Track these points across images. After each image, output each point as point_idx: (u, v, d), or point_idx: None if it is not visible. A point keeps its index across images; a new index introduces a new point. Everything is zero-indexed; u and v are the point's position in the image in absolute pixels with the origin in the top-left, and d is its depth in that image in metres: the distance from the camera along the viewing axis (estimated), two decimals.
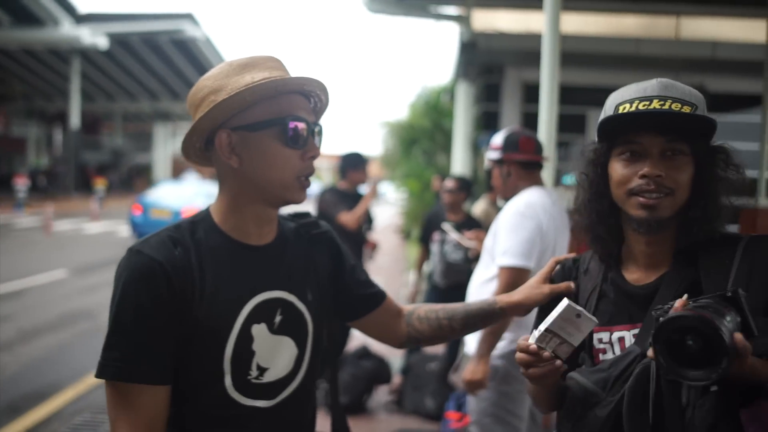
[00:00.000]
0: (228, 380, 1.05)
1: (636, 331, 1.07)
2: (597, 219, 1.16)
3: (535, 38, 3.81)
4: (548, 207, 2.31)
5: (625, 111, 1.09)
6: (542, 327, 1.06)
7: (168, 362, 1.01)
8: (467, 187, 4.35)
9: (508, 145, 2.46)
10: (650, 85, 1.13)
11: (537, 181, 2.46)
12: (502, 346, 2.28)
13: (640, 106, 1.07)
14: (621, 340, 1.11)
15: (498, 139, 2.51)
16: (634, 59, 8.97)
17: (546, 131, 3.59)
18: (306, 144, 1.09)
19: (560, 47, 3.71)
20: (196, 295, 1.02)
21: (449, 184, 4.27)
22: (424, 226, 4.48)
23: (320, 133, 1.14)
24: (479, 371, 2.16)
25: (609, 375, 1.03)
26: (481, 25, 8.89)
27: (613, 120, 1.11)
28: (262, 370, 1.08)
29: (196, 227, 1.09)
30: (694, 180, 1.07)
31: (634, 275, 1.14)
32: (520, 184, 2.44)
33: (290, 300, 1.13)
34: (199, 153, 1.15)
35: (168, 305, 1.00)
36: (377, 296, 1.32)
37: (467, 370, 2.19)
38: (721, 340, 0.79)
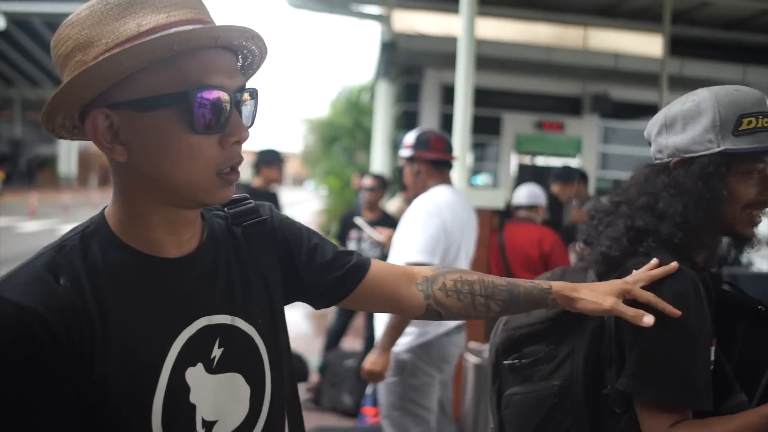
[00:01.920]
0: None
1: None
2: (707, 229, 1.07)
3: (454, 41, 3.92)
4: (455, 205, 2.38)
5: (755, 128, 1.01)
6: None
7: None
8: (385, 185, 4.41)
9: (419, 143, 2.51)
10: (756, 96, 1.05)
11: (446, 180, 2.53)
12: (409, 340, 2.33)
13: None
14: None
15: (410, 137, 2.56)
16: (546, 66, 9.43)
17: (460, 132, 3.71)
18: (227, 124, 0.74)
19: (476, 51, 3.83)
20: (98, 345, 0.70)
21: (367, 182, 4.31)
22: (341, 224, 4.49)
23: (253, 100, 0.79)
24: (380, 363, 2.20)
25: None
26: (402, 25, 9.03)
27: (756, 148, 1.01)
28: (209, 426, 0.78)
29: (88, 242, 0.75)
30: None
31: None
32: (430, 182, 2.49)
33: (232, 324, 0.82)
34: (74, 132, 0.79)
35: (56, 373, 0.67)
36: (357, 268, 1.00)
37: (368, 361, 2.23)
38: None
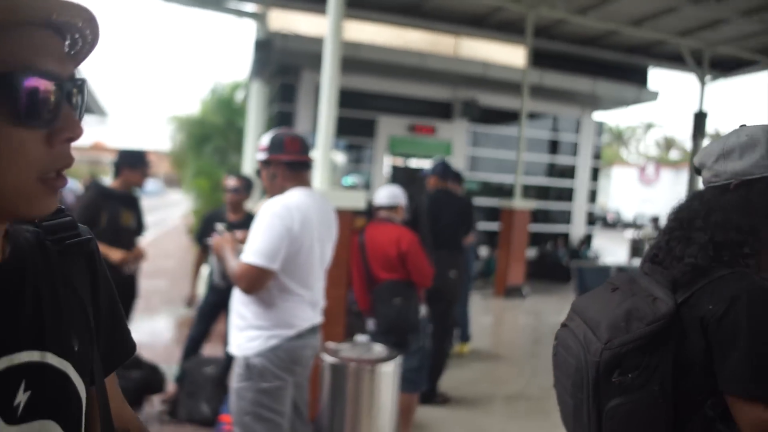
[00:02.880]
0: None
1: None
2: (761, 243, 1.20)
3: (343, 44, 3.91)
4: (308, 208, 2.34)
5: None
6: None
7: None
8: (250, 187, 4.28)
9: (274, 146, 2.44)
10: None
11: (304, 182, 2.48)
12: (258, 344, 2.28)
13: None
14: None
15: (264, 140, 2.49)
16: (419, 71, 9.74)
17: (324, 132, 3.70)
18: (57, 117, 0.62)
19: (341, 52, 3.83)
20: None
21: (231, 182, 4.16)
22: (202, 224, 4.30)
23: (81, 94, 0.67)
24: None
25: None
26: (278, 24, 8.87)
27: None
28: None
29: None
30: None
31: None
32: (287, 184, 2.44)
33: (42, 361, 0.67)
34: None
35: None
36: (125, 352, 0.87)
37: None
38: None
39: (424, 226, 3.81)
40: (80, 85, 0.66)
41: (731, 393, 1.10)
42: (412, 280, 3.23)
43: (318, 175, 3.56)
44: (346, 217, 3.37)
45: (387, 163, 10.41)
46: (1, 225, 0.66)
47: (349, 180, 6.48)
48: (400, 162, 10.65)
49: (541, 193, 11.96)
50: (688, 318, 1.16)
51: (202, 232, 4.12)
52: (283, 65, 9.26)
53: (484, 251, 10.25)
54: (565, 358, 1.33)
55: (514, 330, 7.38)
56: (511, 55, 10.26)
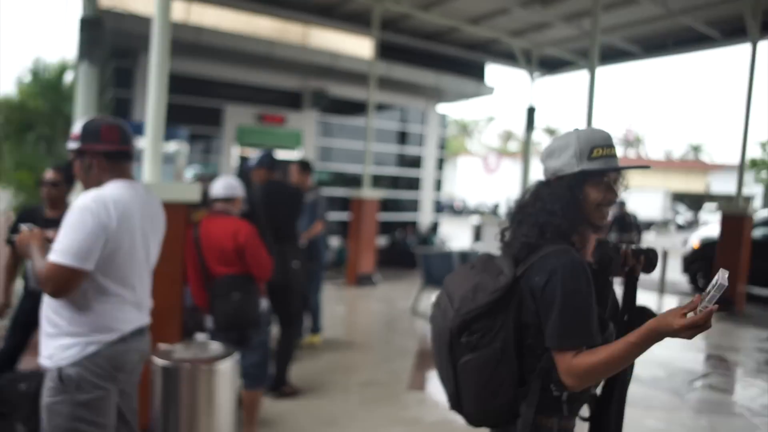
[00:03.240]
0: None
1: None
2: (577, 222, 1.53)
3: (172, 25, 3.62)
4: (128, 202, 2.15)
5: (603, 155, 1.51)
6: (713, 297, 1.21)
7: None
8: (71, 180, 3.87)
9: (88, 134, 2.21)
10: (602, 134, 1.55)
11: (124, 174, 2.28)
12: (73, 353, 2.07)
13: (611, 153, 1.53)
14: None
15: (76, 128, 2.25)
16: (268, 60, 9.51)
17: (154, 121, 3.46)
18: None
19: (170, 33, 3.58)
20: None
21: (49, 175, 3.72)
22: (16, 221, 3.82)
23: None
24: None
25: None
26: (111, 1, 8.13)
27: (606, 168, 1.52)
28: None
29: None
30: None
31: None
32: (104, 176, 2.21)
33: None
34: None
35: None
36: None
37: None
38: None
39: (261, 219, 3.77)
40: None
41: (550, 347, 1.42)
42: (251, 274, 3.15)
43: (147, 166, 3.33)
44: (178, 210, 3.19)
45: (235, 153, 10.06)
46: None
47: (191, 171, 6.15)
48: (248, 153, 10.36)
49: (391, 182, 12.35)
50: (524, 288, 1.47)
51: (12, 229, 3.65)
52: (117, 47, 8.50)
53: (336, 241, 10.35)
54: (433, 325, 1.61)
55: (366, 317, 7.55)
56: (360, 47, 10.42)
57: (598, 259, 1.61)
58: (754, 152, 30.42)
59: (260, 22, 9.72)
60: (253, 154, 4.97)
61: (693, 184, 38.54)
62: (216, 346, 2.77)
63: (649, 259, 1.66)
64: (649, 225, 27.46)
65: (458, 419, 1.67)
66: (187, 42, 8.39)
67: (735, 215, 8.18)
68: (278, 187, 4.42)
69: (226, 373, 2.68)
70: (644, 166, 1.66)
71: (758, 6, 7.89)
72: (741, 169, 8.53)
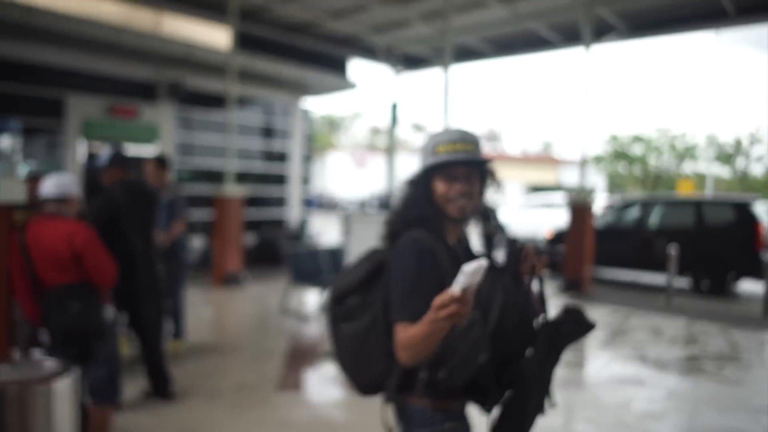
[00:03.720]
0: None
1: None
2: (431, 215, 1.67)
3: None
4: None
5: (445, 150, 1.65)
6: (463, 282, 1.28)
7: None
8: None
9: None
10: (453, 133, 1.69)
11: None
12: None
13: (456, 148, 1.65)
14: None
15: None
16: (116, 47, 8.77)
17: None
18: None
19: None
20: None
21: None
22: None
23: None
24: None
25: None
26: None
27: (439, 162, 1.65)
28: None
29: None
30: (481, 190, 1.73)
31: (451, 239, 1.72)
32: None
33: None
34: None
35: None
36: None
37: None
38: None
39: (124, 223, 3.67)
40: None
41: (395, 319, 1.55)
42: (92, 281, 2.86)
43: None
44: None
45: (82, 149, 9.16)
46: None
47: (24, 169, 5.50)
48: (99, 148, 9.50)
49: (257, 178, 12.02)
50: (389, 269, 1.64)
51: None
52: None
53: (200, 241, 9.87)
54: None
55: (233, 319, 7.29)
56: (217, 37, 9.97)
57: (506, 256, 1.77)
58: (596, 148, 33.87)
59: (104, 6, 8.91)
60: (103, 150, 4.50)
61: (546, 178, 42.03)
62: (51, 363, 2.48)
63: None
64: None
65: (330, 417, 1.68)
66: (15, 23, 7.47)
67: (580, 205, 8.99)
68: (137, 187, 4.07)
69: (64, 392, 2.41)
70: (483, 160, 1.69)
71: (588, 15, 8.74)
72: (582, 163, 9.42)
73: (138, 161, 4.63)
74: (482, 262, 1.29)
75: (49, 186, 2.92)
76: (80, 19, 8.26)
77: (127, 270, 3.53)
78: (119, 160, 3.99)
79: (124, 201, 3.81)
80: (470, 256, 1.72)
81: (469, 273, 1.27)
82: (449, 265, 1.59)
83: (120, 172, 3.96)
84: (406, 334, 1.49)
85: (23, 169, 5.53)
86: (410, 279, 1.56)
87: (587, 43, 8.97)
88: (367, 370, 1.67)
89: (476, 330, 1.54)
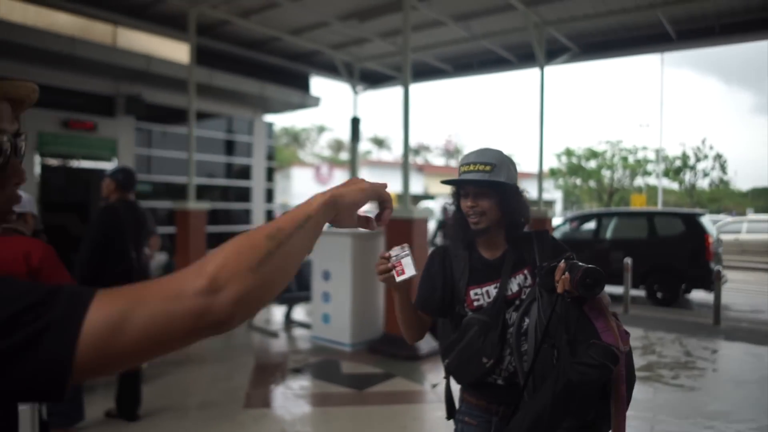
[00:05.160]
0: None
1: (496, 284, 1.84)
2: (464, 226, 1.89)
3: None
4: None
5: (463, 171, 1.84)
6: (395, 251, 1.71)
7: None
8: None
9: None
10: (472, 155, 1.86)
11: None
12: None
13: (469, 169, 1.82)
14: (487, 291, 1.84)
15: None
16: (71, 60, 8.57)
17: None
18: (6, 166, 0.79)
19: None
20: None
21: None
22: None
23: (23, 145, 0.83)
24: None
25: (493, 310, 1.82)
26: None
27: (453, 181, 1.88)
28: None
29: None
30: (500, 205, 1.85)
31: (488, 255, 1.91)
32: None
33: None
34: None
35: None
36: None
37: None
38: (602, 277, 1.52)
39: (125, 242, 3.96)
40: (23, 138, 0.82)
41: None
42: None
43: None
44: None
45: (37, 163, 8.89)
46: None
47: None
48: (55, 162, 9.24)
49: (221, 193, 11.88)
50: None
51: None
52: None
53: (162, 256, 9.67)
54: None
55: None
56: (177, 51, 9.87)
57: (539, 275, 1.73)
58: (552, 162, 34.69)
59: (59, 17, 8.72)
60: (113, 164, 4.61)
61: None
62: None
63: (586, 276, 1.51)
64: None
65: None
66: None
67: (539, 219, 9.17)
68: (134, 206, 4.22)
69: (25, 414, 2.34)
70: (485, 181, 1.82)
71: (543, 35, 9.03)
72: (540, 177, 9.65)
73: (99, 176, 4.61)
74: (405, 246, 1.71)
75: None
76: (35, 30, 8.07)
77: (124, 282, 3.57)
78: (121, 179, 4.07)
79: (125, 218, 4.02)
80: (515, 269, 1.87)
81: (399, 248, 1.70)
82: (467, 273, 1.87)
83: (120, 191, 4.05)
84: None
85: None
86: (422, 275, 1.94)
87: (541, 64, 9.26)
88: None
89: (477, 333, 1.78)
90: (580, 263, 1.55)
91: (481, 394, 1.83)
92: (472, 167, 1.81)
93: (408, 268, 1.66)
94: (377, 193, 0.91)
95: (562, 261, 1.59)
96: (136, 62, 9.11)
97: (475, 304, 1.83)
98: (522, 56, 10.30)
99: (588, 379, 1.46)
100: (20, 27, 7.91)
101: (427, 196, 33.03)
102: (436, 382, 5.12)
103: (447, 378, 1.90)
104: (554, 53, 9.65)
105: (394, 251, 1.70)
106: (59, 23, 8.67)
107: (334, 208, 0.84)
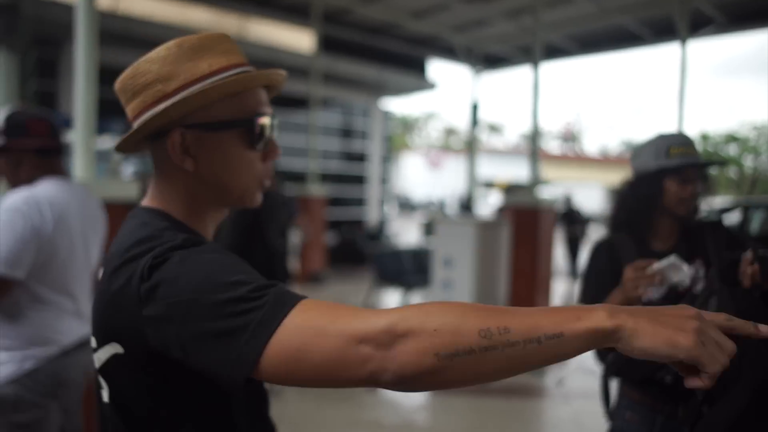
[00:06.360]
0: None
1: None
2: (645, 215, 1.77)
3: (98, 14, 3.32)
4: (64, 202, 1.94)
5: (679, 152, 1.70)
6: (660, 267, 1.50)
7: None
8: None
9: (13, 128, 1.97)
10: (680, 136, 1.75)
11: (57, 171, 2.07)
12: (9, 368, 1.85)
13: (688, 151, 1.71)
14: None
15: None
16: None
17: (84, 114, 3.19)
18: (269, 144, 0.95)
19: (97, 20, 3.31)
20: None
21: None
22: None
23: (278, 127, 0.99)
24: None
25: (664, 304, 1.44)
26: None
27: (681, 163, 1.70)
28: None
29: (179, 233, 0.84)
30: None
31: (658, 246, 1.79)
32: (36, 174, 2.01)
33: None
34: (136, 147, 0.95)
35: None
36: None
37: None
38: None
39: (262, 225, 4.14)
40: (276, 120, 0.96)
41: None
42: None
43: (79, 163, 3.06)
44: (117, 210, 2.94)
45: None
46: (221, 213, 0.98)
47: (130, 169, 5.80)
48: None
49: (336, 179, 12.19)
50: None
51: None
52: (39, 35, 7.94)
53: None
54: None
55: None
56: (299, 40, 10.18)
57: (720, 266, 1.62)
58: None
59: (194, 13, 9.31)
60: None
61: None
62: None
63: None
64: (588, 219, 28.55)
65: (420, 421, 1.64)
66: (117, 32, 7.94)
67: None
68: (276, 195, 4.47)
69: None
70: (722, 161, 1.84)
71: (685, 7, 8.22)
72: None
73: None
74: (674, 259, 1.50)
75: None
76: (172, 26, 8.67)
77: (266, 265, 4.02)
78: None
79: (271, 203, 4.19)
80: (689, 262, 1.72)
81: (666, 265, 1.49)
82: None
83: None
84: None
85: (128, 169, 5.83)
86: (587, 271, 1.86)
87: (683, 38, 8.45)
88: None
89: None
90: None
91: (647, 392, 1.72)
92: (692, 149, 1.73)
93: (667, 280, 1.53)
94: (703, 356, 0.58)
95: (749, 252, 1.40)
96: (264, 53, 9.51)
97: (644, 298, 1.69)
98: (658, 31, 9.48)
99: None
100: (161, 24, 8.53)
101: (542, 183, 31.93)
102: (560, 377, 4.88)
103: (607, 376, 1.77)
104: (696, 26, 8.77)
105: (664, 266, 1.51)
106: (194, 19, 9.25)
107: (610, 342, 0.59)
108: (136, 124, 0.89)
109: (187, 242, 0.78)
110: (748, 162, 30.88)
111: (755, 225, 9.30)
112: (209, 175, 0.90)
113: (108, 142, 6.69)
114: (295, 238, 5.88)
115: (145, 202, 0.96)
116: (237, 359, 0.65)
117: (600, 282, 1.76)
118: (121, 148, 0.93)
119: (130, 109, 0.91)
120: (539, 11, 6.59)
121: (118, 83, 0.93)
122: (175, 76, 0.88)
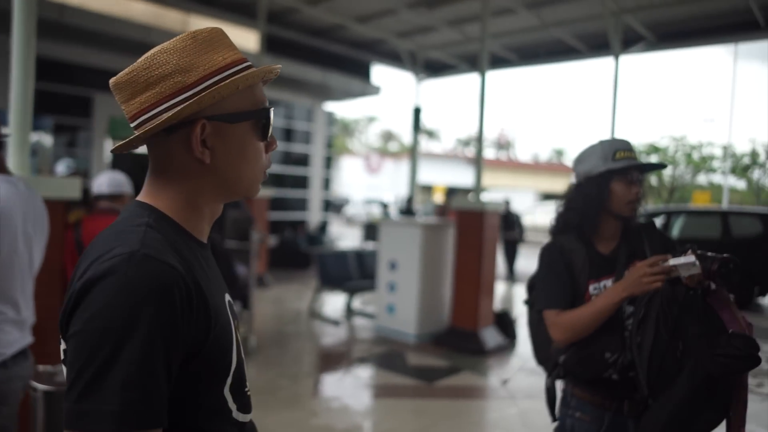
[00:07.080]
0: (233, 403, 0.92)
1: (612, 278, 1.78)
2: (592, 216, 1.82)
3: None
4: (5, 201, 1.82)
5: (624, 156, 1.79)
6: (677, 262, 1.56)
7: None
8: None
9: None
10: (624, 141, 1.82)
11: None
12: None
13: (632, 155, 1.80)
14: (605, 286, 1.78)
15: None
16: (144, 47, 8.77)
17: (21, 108, 2.99)
18: (270, 135, 0.97)
19: (37, 12, 3.12)
20: (210, 309, 0.84)
21: None
22: None
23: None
24: None
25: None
26: None
27: (626, 166, 1.78)
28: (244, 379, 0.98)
29: (160, 228, 0.86)
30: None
31: (602, 248, 1.84)
32: None
33: (229, 299, 0.99)
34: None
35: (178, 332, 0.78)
36: None
37: None
38: (740, 265, 1.52)
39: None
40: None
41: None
42: None
43: (12, 159, 2.87)
44: (56, 208, 2.78)
45: (108, 147, 9.20)
46: (219, 209, 0.98)
47: (62, 166, 5.49)
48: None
49: (278, 180, 12.01)
50: None
51: None
52: None
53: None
54: None
55: (257, 321, 7.25)
56: (244, 39, 9.99)
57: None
58: None
59: (134, 6, 8.95)
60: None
61: (557, 185, 41.88)
62: None
63: (725, 264, 1.52)
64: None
65: (368, 425, 1.61)
66: (49, 21, 7.52)
67: None
68: None
69: None
70: (661, 165, 1.92)
71: (620, 23, 8.67)
72: None
73: None
74: (691, 258, 1.53)
75: (103, 183, 2.90)
76: (110, 18, 8.30)
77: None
78: None
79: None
80: (629, 263, 1.79)
81: (684, 262, 1.54)
82: (587, 267, 1.80)
83: None
84: (565, 316, 1.74)
85: (61, 166, 5.52)
86: (545, 274, 1.84)
87: (616, 53, 8.90)
88: (540, 354, 1.95)
89: (598, 329, 1.71)
90: (709, 253, 1.55)
91: (596, 390, 1.78)
92: (631, 153, 1.80)
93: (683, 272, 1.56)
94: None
95: (689, 252, 1.57)
96: None
97: (593, 299, 1.77)
98: (593, 45, 9.93)
99: (732, 370, 1.43)
100: (97, 15, 8.15)
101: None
102: (506, 378, 5.01)
103: (554, 377, 1.83)
104: (628, 43, 9.26)
105: (681, 263, 1.55)
106: (134, 11, 8.89)
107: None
108: (150, 118, 0.87)
109: (133, 258, 0.76)
110: (668, 171, 32.78)
111: (675, 230, 9.90)
112: (224, 166, 0.90)
113: (36, 138, 6.31)
114: (254, 240, 5.71)
115: (140, 197, 0.93)
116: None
117: (562, 282, 1.80)
118: (124, 146, 0.91)
119: (138, 103, 0.88)
120: (486, 20, 6.74)
121: (124, 76, 0.89)
122: (195, 67, 0.87)
